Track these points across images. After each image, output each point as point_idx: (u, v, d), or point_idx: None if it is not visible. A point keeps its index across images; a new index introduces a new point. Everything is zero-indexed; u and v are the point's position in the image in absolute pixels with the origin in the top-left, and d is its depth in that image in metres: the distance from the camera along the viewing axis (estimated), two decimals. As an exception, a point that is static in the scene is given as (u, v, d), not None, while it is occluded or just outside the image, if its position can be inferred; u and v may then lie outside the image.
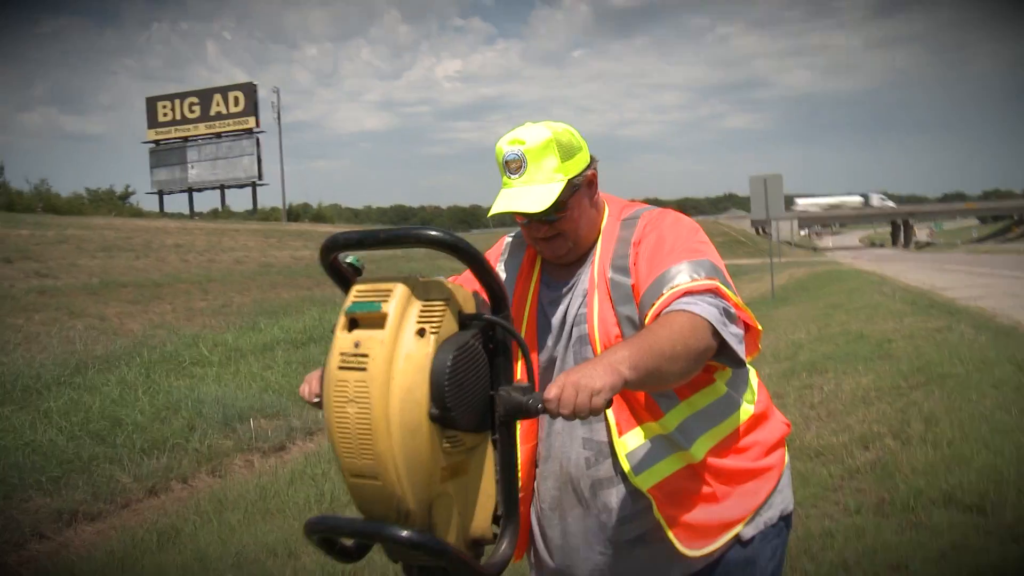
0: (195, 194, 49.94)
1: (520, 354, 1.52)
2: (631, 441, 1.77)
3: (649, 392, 1.74)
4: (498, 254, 2.05)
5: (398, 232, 1.43)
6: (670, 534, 1.75)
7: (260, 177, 48.85)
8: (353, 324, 1.40)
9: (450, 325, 1.42)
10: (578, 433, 1.83)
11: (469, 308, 1.47)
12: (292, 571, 3.91)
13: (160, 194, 49.96)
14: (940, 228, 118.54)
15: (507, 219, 1.91)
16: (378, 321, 1.37)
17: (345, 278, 1.53)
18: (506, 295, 1.48)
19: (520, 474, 1.85)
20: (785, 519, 1.90)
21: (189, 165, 49.72)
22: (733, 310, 1.69)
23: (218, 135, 49.42)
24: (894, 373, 7.57)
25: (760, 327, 1.78)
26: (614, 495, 1.80)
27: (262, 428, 7.06)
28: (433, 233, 1.39)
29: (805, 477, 4.80)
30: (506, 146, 1.80)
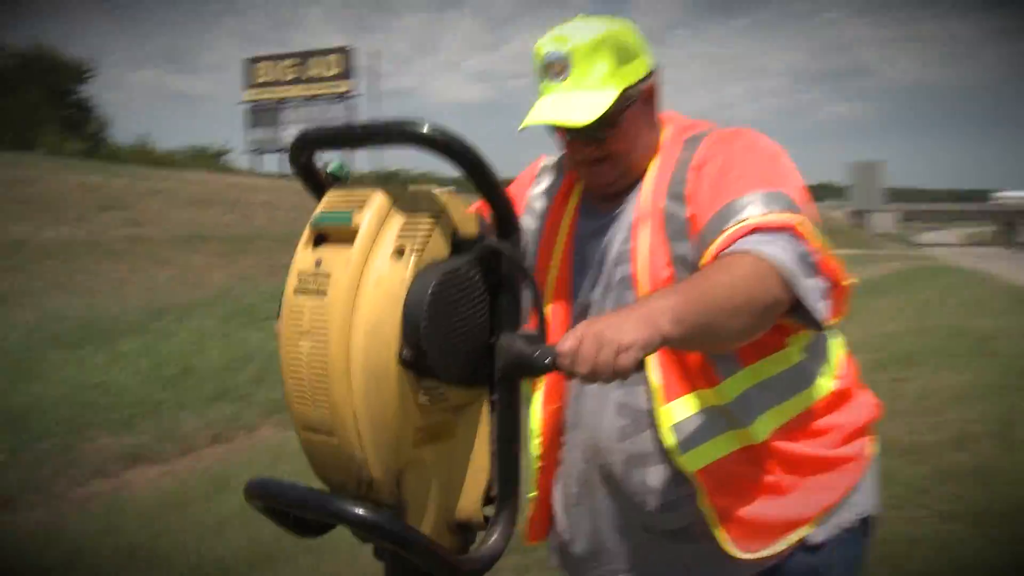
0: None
1: (535, 294, 1.24)
2: (678, 411, 1.44)
3: (704, 353, 1.43)
4: (531, 178, 1.70)
5: (379, 126, 1.16)
6: (718, 530, 1.44)
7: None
8: (320, 240, 1.16)
9: (438, 247, 1.15)
10: (612, 396, 1.50)
11: (469, 230, 1.20)
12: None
13: (254, 153, 51.14)
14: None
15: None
16: (348, 236, 1.12)
17: (323, 187, 1.27)
18: (514, 216, 1.20)
19: (541, 440, 1.57)
20: (865, 523, 1.55)
21: (284, 126, 50.76)
22: (816, 257, 1.35)
23: (313, 98, 50.24)
24: (997, 372, 7.03)
25: (851, 282, 1.44)
26: (652, 476, 1.48)
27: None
28: (422, 129, 1.11)
29: (889, 475, 4.41)
30: (547, 44, 1.46)
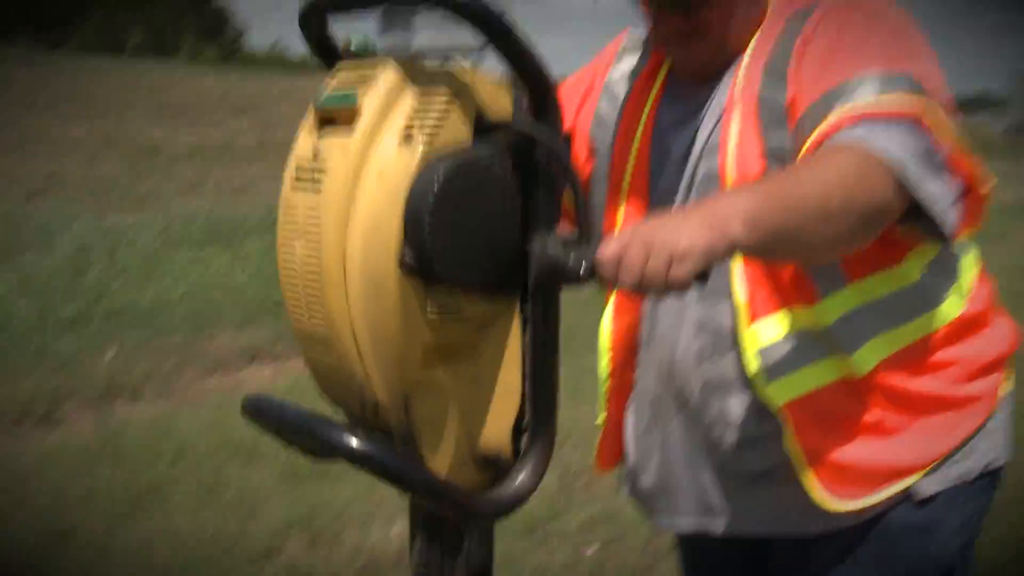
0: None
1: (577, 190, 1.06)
2: (767, 333, 1.23)
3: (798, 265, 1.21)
4: (610, 58, 1.47)
5: None
6: (807, 475, 1.24)
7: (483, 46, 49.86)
8: (326, 125, 1.02)
9: (457, 132, 0.99)
10: (691, 313, 1.29)
11: (497, 111, 1.02)
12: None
13: (386, 59, 52.10)
14: None
15: None
16: (353, 121, 0.98)
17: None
18: (554, 94, 1.01)
19: (612, 357, 1.39)
20: (991, 475, 1.33)
21: (416, 31, 51.38)
22: (944, 154, 1.11)
23: (443, 3, 50.49)
24: None
25: (989, 187, 1.20)
26: (733, 406, 1.28)
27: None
28: None
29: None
30: None
